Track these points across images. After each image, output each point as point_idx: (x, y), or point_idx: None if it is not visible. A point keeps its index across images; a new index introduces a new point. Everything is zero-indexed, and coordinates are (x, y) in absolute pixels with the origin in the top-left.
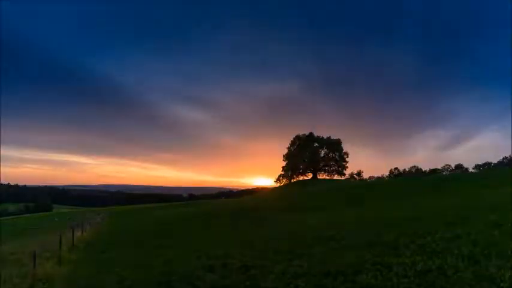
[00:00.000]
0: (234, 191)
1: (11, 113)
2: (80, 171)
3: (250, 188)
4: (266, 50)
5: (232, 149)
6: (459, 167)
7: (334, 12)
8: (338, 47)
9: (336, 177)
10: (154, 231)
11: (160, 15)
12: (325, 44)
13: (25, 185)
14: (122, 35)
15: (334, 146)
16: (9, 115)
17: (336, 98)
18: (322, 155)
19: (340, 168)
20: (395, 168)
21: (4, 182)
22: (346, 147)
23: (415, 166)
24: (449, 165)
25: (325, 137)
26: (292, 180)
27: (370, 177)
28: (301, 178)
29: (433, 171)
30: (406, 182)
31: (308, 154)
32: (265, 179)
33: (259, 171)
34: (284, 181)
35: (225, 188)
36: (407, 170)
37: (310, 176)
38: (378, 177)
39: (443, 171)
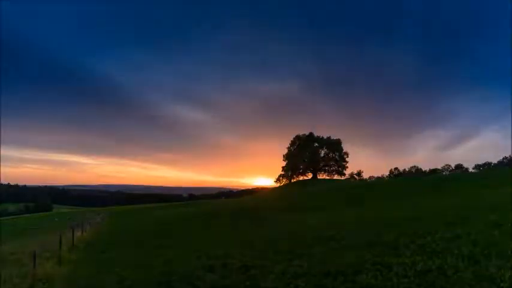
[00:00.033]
0: (234, 191)
1: (11, 113)
2: (80, 171)
3: (250, 188)
4: (266, 50)
5: (232, 149)
6: (459, 167)
7: (334, 12)
8: (338, 47)
9: (336, 177)
10: (154, 231)
11: (160, 15)
12: (325, 44)
13: (25, 185)
14: (122, 35)
15: (334, 146)
16: (9, 115)
17: (336, 98)
18: (322, 155)
19: (340, 168)
20: (395, 168)
21: (4, 182)
22: (346, 147)
23: (415, 166)
24: (449, 165)
25: (325, 137)
26: (292, 180)
27: (370, 177)
28: (301, 178)
29: (433, 171)
30: (406, 182)
31: (308, 154)
32: (265, 179)
33: (259, 171)
34: (284, 181)
35: (225, 188)
36: (407, 170)
37: (310, 176)
38: (378, 177)
39: (443, 171)
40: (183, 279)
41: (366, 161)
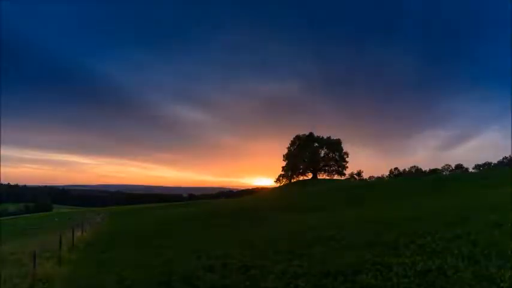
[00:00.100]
0: (234, 191)
1: (11, 113)
2: (79, 171)
3: (250, 188)
4: (266, 50)
5: (232, 149)
6: (459, 167)
7: (334, 12)
8: (338, 47)
9: (336, 177)
10: (154, 231)
11: (160, 15)
12: (325, 44)
13: (25, 185)
14: (122, 35)
15: (334, 146)
16: (9, 115)
17: (336, 98)
18: (322, 155)
19: (340, 168)
20: (395, 168)
21: (4, 182)
22: (346, 147)
23: (415, 166)
24: (449, 165)
25: (325, 137)
26: (292, 180)
27: (370, 177)
28: (301, 178)
29: (433, 171)
30: (406, 182)
31: (308, 154)
32: (265, 179)
33: (259, 171)
34: (284, 181)
35: (225, 188)
36: (407, 170)
37: (310, 176)
38: (378, 177)
39: (443, 171)
40: (183, 279)
41: (366, 161)
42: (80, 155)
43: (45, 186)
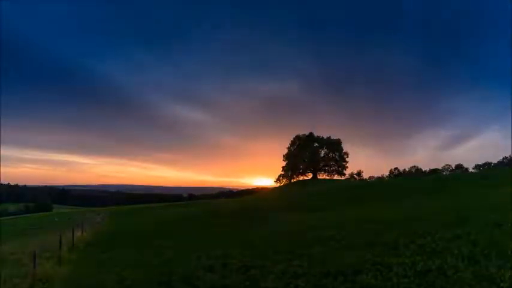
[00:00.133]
0: (234, 191)
1: (11, 113)
2: (79, 171)
3: (250, 188)
4: (266, 50)
5: (232, 149)
6: (459, 167)
7: (334, 12)
8: (338, 47)
9: (336, 177)
10: (154, 231)
11: (160, 15)
12: (325, 44)
13: (25, 185)
14: (122, 35)
15: (334, 146)
16: (9, 115)
17: (336, 98)
18: (322, 155)
19: (340, 168)
20: (395, 168)
21: (4, 182)
22: (346, 147)
23: (415, 166)
24: (450, 165)
25: (325, 137)
26: (292, 180)
27: (370, 177)
28: (301, 178)
29: (433, 171)
30: (406, 182)
31: (308, 154)
32: (265, 179)
33: (259, 171)
34: (284, 181)
35: (225, 188)
36: (407, 170)
37: (310, 176)
38: (378, 177)
39: (443, 171)
40: (183, 279)
41: (366, 161)
42: (80, 155)
43: (45, 186)
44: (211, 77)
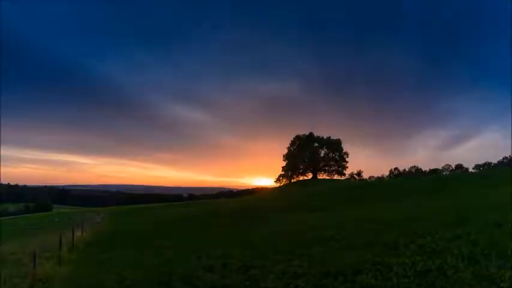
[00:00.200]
0: (234, 191)
1: (11, 113)
2: (79, 171)
3: (250, 188)
4: (266, 50)
5: (232, 149)
6: (459, 167)
7: (334, 12)
8: (338, 47)
9: (336, 177)
10: (154, 231)
11: (160, 15)
12: (325, 44)
13: (25, 185)
14: (122, 35)
15: (334, 146)
16: (9, 115)
17: (336, 98)
18: (322, 155)
19: (340, 168)
20: (395, 168)
21: (4, 182)
22: (346, 147)
23: (415, 166)
24: (449, 165)
25: (325, 137)
26: (292, 180)
27: (370, 177)
28: (301, 178)
29: (433, 171)
30: (406, 182)
31: (308, 154)
32: (265, 179)
33: (259, 171)
34: (284, 181)
35: (225, 188)
36: (407, 170)
37: (310, 176)
38: (378, 177)
39: (443, 171)
40: (183, 279)
41: (366, 161)
42: (80, 155)
43: (45, 186)
44: (211, 77)
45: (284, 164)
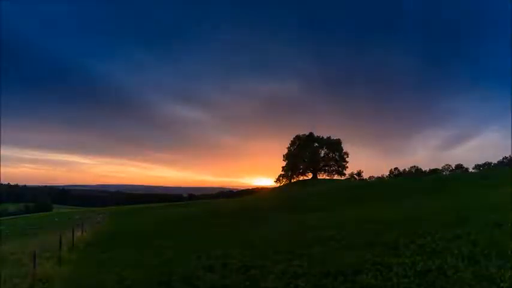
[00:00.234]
0: (234, 191)
1: (11, 113)
2: (79, 171)
3: (250, 188)
4: (266, 50)
5: (232, 149)
6: (459, 167)
7: (334, 12)
8: (338, 47)
9: (336, 177)
10: (154, 231)
11: (160, 15)
12: (325, 44)
13: (25, 185)
14: (122, 35)
15: (334, 146)
16: (9, 115)
17: (336, 98)
18: (322, 155)
19: (340, 168)
20: (395, 168)
21: (4, 182)
22: (346, 147)
23: (415, 166)
24: (450, 165)
25: (325, 137)
26: (292, 180)
27: (370, 177)
28: (301, 178)
29: (433, 171)
30: (406, 182)
31: (308, 154)
32: (265, 179)
33: (259, 171)
34: (284, 181)
35: (225, 188)
36: (407, 170)
37: (310, 176)
38: (378, 177)
39: (443, 171)
40: (183, 279)
41: (366, 161)
42: (79, 155)
43: (45, 186)
44: (211, 77)
45: (284, 164)
